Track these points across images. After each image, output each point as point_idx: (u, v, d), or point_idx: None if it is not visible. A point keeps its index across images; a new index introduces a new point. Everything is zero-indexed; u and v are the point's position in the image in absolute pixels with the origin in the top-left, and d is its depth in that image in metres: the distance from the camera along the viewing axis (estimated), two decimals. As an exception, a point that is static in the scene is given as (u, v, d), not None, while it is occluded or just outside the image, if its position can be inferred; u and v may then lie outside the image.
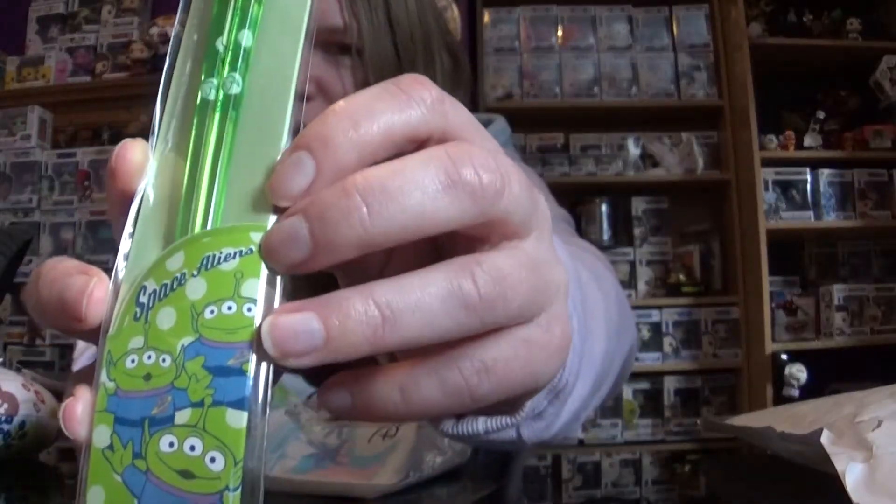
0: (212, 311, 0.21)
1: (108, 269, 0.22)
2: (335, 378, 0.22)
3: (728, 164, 2.39)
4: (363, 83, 0.63)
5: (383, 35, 0.63)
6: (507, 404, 0.30)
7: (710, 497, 0.66)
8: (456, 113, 0.23)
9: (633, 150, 2.43)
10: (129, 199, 0.23)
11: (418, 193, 0.20)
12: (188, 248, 0.22)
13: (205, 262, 0.21)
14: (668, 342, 2.36)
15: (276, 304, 0.21)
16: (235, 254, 0.21)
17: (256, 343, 0.20)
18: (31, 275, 0.24)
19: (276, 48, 0.24)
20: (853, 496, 0.36)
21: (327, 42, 0.62)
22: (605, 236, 2.41)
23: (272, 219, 0.22)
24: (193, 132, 0.23)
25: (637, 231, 2.45)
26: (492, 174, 0.21)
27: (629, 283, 2.40)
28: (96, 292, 0.21)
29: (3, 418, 0.59)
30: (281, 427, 0.53)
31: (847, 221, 2.33)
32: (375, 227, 0.20)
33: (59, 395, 0.66)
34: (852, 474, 0.37)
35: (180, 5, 0.26)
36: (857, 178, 2.34)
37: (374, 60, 0.62)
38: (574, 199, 2.37)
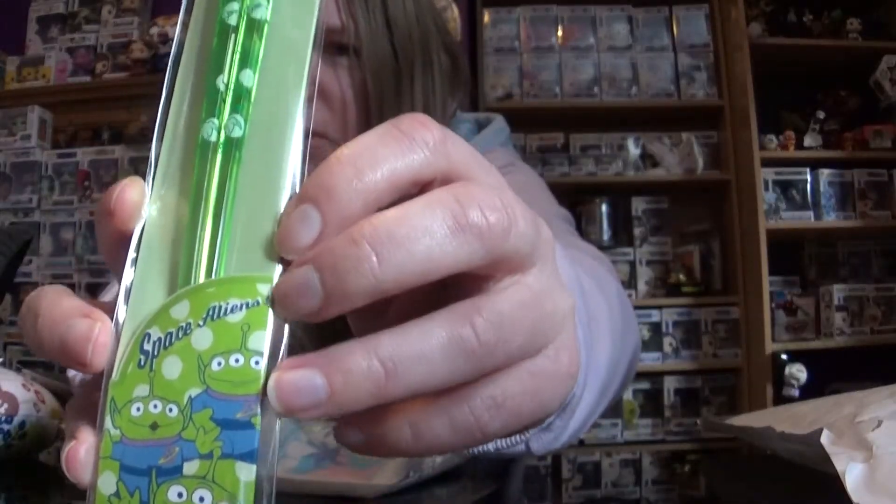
0: (219, 363, 0.21)
1: (106, 282, 0.22)
2: (349, 416, 0.23)
3: (728, 164, 2.39)
4: (360, 84, 0.63)
5: (381, 35, 0.62)
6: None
7: (710, 497, 0.66)
8: (458, 151, 0.23)
9: (633, 150, 2.43)
10: (126, 239, 0.23)
11: (427, 239, 0.20)
12: (193, 297, 0.21)
13: (211, 313, 0.21)
14: (668, 342, 2.36)
15: (282, 354, 0.21)
16: (242, 305, 0.21)
17: (264, 396, 0.21)
18: (26, 304, 0.23)
19: (279, 88, 0.23)
20: (853, 496, 0.36)
21: (324, 42, 0.62)
22: (605, 236, 2.41)
23: (278, 269, 0.22)
24: (195, 173, 0.23)
25: (637, 231, 2.45)
26: (498, 214, 0.21)
27: (629, 283, 2.40)
28: (101, 338, 0.21)
29: (3, 418, 0.59)
30: (281, 427, 0.53)
31: (847, 221, 2.33)
32: (386, 275, 0.20)
33: (60, 395, 0.66)
34: (852, 474, 0.37)
35: (182, 6, 0.25)
36: (857, 178, 2.34)
37: (372, 61, 0.62)
38: (574, 199, 2.36)
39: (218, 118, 0.23)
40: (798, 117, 2.41)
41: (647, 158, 2.44)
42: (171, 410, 0.21)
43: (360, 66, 0.62)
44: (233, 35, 0.24)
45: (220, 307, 0.21)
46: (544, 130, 2.43)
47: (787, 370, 2.15)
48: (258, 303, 0.21)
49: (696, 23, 2.48)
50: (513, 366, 0.23)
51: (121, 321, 0.22)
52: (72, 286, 2.28)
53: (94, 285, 2.31)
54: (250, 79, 0.23)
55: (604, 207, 2.43)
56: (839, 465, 0.38)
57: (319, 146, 0.64)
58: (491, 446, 0.30)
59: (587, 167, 2.43)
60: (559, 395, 0.25)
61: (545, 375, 0.24)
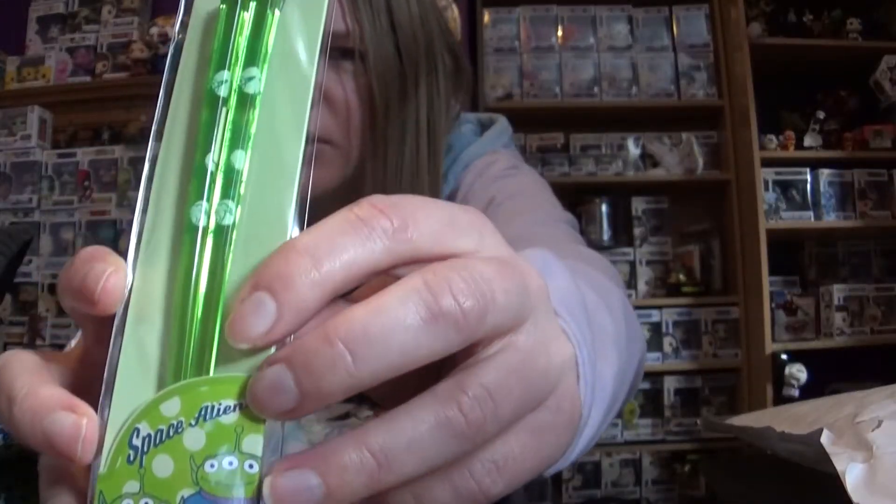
0: (212, 465, 0.20)
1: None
2: None
3: (728, 164, 2.39)
4: (365, 88, 0.63)
5: (386, 39, 0.62)
6: None
7: (710, 497, 0.66)
8: (422, 233, 0.22)
9: (633, 150, 2.43)
10: (106, 323, 0.22)
11: (401, 333, 0.20)
12: (185, 394, 0.21)
13: (203, 413, 0.21)
14: (668, 342, 2.36)
15: (279, 451, 0.21)
16: (235, 406, 0.21)
17: (258, 499, 0.20)
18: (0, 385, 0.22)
19: (272, 170, 0.22)
20: (853, 496, 0.36)
21: (329, 47, 0.62)
22: (605, 236, 2.41)
23: None
24: (183, 258, 0.22)
25: (637, 231, 2.45)
26: (473, 299, 0.21)
27: (629, 283, 2.40)
28: (89, 434, 0.21)
29: (3, 418, 0.58)
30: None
31: (847, 221, 2.33)
32: (362, 372, 0.20)
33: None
34: (852, 474, 0.37)
35: (181, 7, 0.25)
36: (857, 178, 2.34)
37: (377, 65, 0.62)
38: (574, 199, 2.36)
39: (207, 201, 0.22)
40: (798, 117, 2.41)
41: (647, 158, 2.44)
42: None
43: (366, 70, 0.62)
44: (223, 109, 0.23)
45: (213, 407, 0.21)
46: (544, 130, 2.43)
47: (787, 370, 2.15)
48: None
49: (696, 23, 2.48)
50: (511, 427, 0.23)
51: (105, 413, 0.21)
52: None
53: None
54: (242, 160, 0.22)
55: (604, 207, 2.42)
56: (839, 465, 0.38)
57: (323, 151, 0.64)
58: None
59: (587, 167, 2.43)
60: (562, 444, 0.25)
61: (546, 429, 0.24)
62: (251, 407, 0.20)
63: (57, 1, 2.54)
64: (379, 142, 0.65)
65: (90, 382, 0.23)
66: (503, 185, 0.69)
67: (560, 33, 2.49)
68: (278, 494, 0.20)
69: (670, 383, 2.35)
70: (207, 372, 0.21)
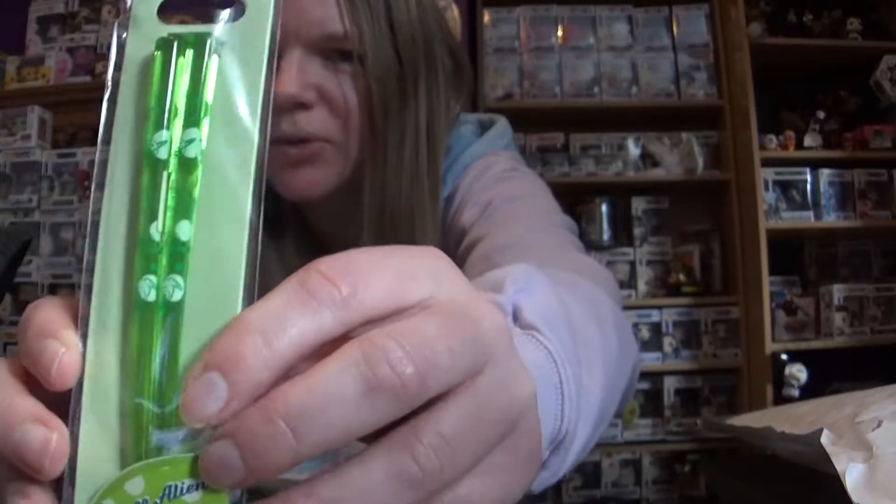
0: None
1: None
2: None
3: (728, 164, 2.39)
4: (364, 89, 0.63)
5: (385, 41, 0.62)
6: None
7: (710, 497, 0.66)
8: (373, 295, 0.22)
9: (633, 150, 2.43)
10: (63, 397, 0.22)
11: (340, 407, 0.20)
12: (148, 473, 0.21)
13: (167, 492, 0.21)
14: (668, 342, 2.35)
15: None
16: (198, 485, 0.21)
17: None
18: None
19: (219, 239, 0.22)
20: (853, 496, 0.36)
21: (328, 49, 0.62)
22: (605, 236, 2.41)
23: None
24: (135, 336, 0.22)
25: (637, 231, 2.45)
26: (411, 367, 0.21)
27: (629, 283, 2.40)
28: (58, 447, 0.21)
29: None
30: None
31: (847, 221, 2.33)
32: (304, 446, 0.20)
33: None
34: (852, 474, 0.37)
35: (113, 48, 0.24)
36: (857, 178, 2.33)
37: (376, 67, 0.62)
38: (574, 199, 2.36)
39: (156, 276, 0.22)
40: (798, 117, 2.41)
41: (647, 158, 2.43)
42: None
43: (365, 72, 0.62)
44: (164, 173, 0.22)
45: (177, 487, 0.21)
46: (544, 130, 2.43)
47: (787, 370, 2.15)
48: None
49: (696, 23, 2.48)
50: (470, 469, 0.22)
51: (71, 489, 0.21)
52: (71, 286, 2.29)
53: (94, 285, 2.31)
54: (187, 231, 0.22)
55: (604, 207, 2.42)
56: (839, 465, 0.38)
57: (324, 150, 0.64)
58: None
59: (587, 167, 2.42)
60: (522, 483, 0.25)
61: (504, 468, 0.24)
62: (204, 479, 0.21)
63: (57, 1, 2.54)
64: (378, 143, 0.65)
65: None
66: (501, 188, 0.69)
67: (560, 33, 2.49)
68: None
69: (670, 383, 2.35)
70: (168, 451, 0.21)
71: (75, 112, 2.48)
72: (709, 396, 2.36)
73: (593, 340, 0.41)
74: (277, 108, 0.59)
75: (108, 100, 0.23)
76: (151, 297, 0.22)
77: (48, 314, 0.23)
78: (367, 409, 0.20)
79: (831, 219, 2.32)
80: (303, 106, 0.61)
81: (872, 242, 2.48)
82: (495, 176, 0.71)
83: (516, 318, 0.34)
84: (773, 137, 2.31)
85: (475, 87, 2.36)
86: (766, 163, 2.28)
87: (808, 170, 2.32)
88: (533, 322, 0.31)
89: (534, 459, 0.25)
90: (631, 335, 0.53)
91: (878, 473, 0.37)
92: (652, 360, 2.32)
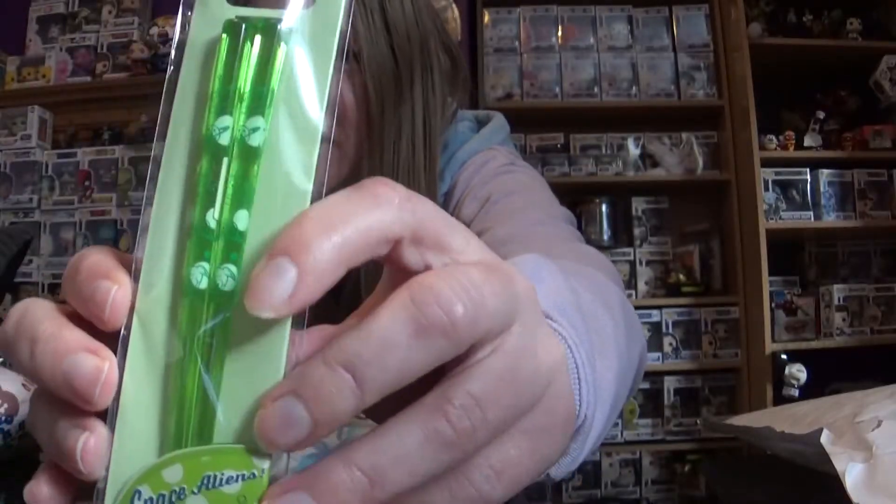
0: None
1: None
2: None
3: (728, 164, 2.39)
4: (361, 87, 0.63)
5: (380, 39, 0.62)
6: None
7: (710, 497, 0.66)
8: (424, 209, 0.23)
9: (633, 150, 2.43)
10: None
11: (394, 350, 0.20)
12: (187, 462, 0.21)
13: (206, 482, 0.21)
14: (668, 342, 2.35)
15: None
16: (238, 477, 0.21)
17: None
18: (14, 323, 0.23)
19: (275, 229, 0.21)
20: (853, 496, 0.36)
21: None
22: (605, 236, 2.41)
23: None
24: (183, 323, 0.21)
25: (637, 231, 2.45)
26: (461, 306, 0.21)
27: (629, 283, 2.40)
28: (109, 377, 0.21)
29: (3, 418, 0.59)
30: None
31: (847, 221, 2.33)
32: (367, 392, 0.20)
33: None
34: (852, 474, 0.37)
35: (181, 7, 0.23)
36: (857, 178, 2.34)
37: (372, 65, 0.62)
38: (574, 199, 2.36)
39: (209, 264, 0.21)
40: (798, 117, 2.41)
41: (647, 158, 2.44)
42: None
43: (361, 70, 0.62)
44: (225, 160, 0.21)
45: (216, 477, 0.21)
46: (544, 130, 2.43)
47: (787, 370, 2.15)
48: (254, 475, 0.21)
49: (696, 23, 2.48)
50: (506, 430, 0.23)
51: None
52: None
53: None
54: (245, 221, 0.21)
55: (604, 207, 2.42)
56: (839, 465, 0.38)
57: (323, 150, 0.64)
58: None
59: (587, 167, 2.42)
60: (559, 445, 0.25)
61: (541, 431, 0.24)
62: (262, 443, 0.20)
63: (57, 1, 2.54)
64: (375, 140, 0.65)
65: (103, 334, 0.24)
66: (500, 183, 0.69)
67: (560, 33, 2.49)
68: None
69: (670, 383, 2.35)
70: (209, 439, 0.21)
71: (75, 112, 2.48)
72: (709, 396, 2.36)
73: (605, 327, 0.41)
74: None
75: (168, 85, 0.23)
76: (203, 284, 0.21)
77: (97, 258, 0.23)
78: (421, 350, 0.21)
79: (831, 219, 2.32)
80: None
81: (872, 242, 2.48)
82: (493, 171, 0.71)
83: None
84: (773, 137, 2.31)
85: (475, 87, 2.36)
86: (766, 163, 2.28)
87: (808, 170, 2.32)
88: (545, 310, 0.31)
89: (569, 423, 0.25)
90: (637, 322, 0.54)
91: (878, 473, 0.37)
92: (652, 360, 2.32)
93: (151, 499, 0.21)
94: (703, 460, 0.89)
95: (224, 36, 0.22)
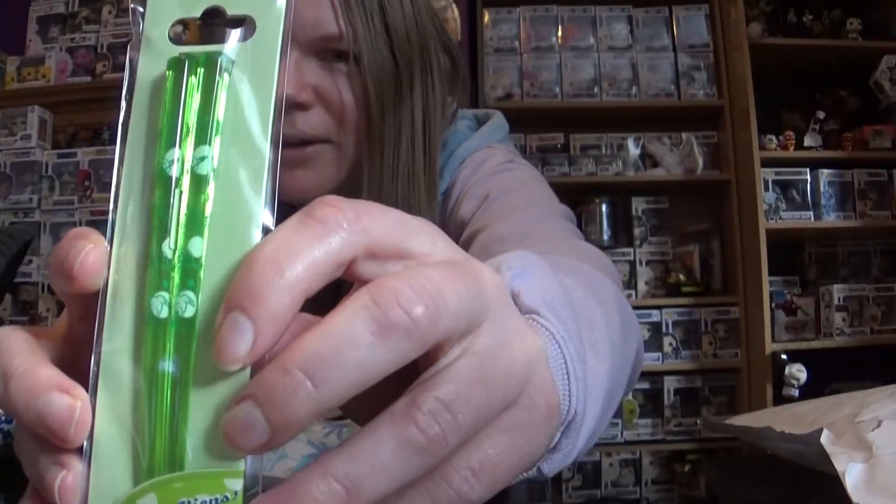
0: None
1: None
2: None
3: (728, 164, 2.39)
4: (361, 89, 0.63)
5: (380, 40, 0.63)
6: None
7: (710, 497, 0.66)
8: (377, 223, 0.23)
9: (633, 150, 2.43)
10: (90, 300, 0.23)
11: (354, 352, 0.20)
12: (160, 490, 0.21)
13: None
14: (668, 342, 2.35)
15: None
16: (212, 501, 0.21)
17: None
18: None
19: (230, 253, 0.22)
20: (853, 496, 0.36)
21: (324, 50, 0.62)
22: (605, 236, 2.41)
23: (246, 461, 0.21)
24: (147, 351, 0.22)
25: (637, 231, 2.45)
26: (421, 306, 0.21)
27: (629, 283, 2.40)
28: (83, 417, 0.21)
29: (3, 418, 0.59)
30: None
31: (847, 221, 2.33)
32: (324, 395, 0.20)
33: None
34: (852, 474, 0.37)
35: (126, 70, 0.24)
36: (857, 178, 2.34)
37: (372, 66, 0.62)
38: (574, 199, 2.36)
39: (168, 293, 0.22)
40: (798, 117, 2.41)
41: (647, 158, 2.44)
42: None
43: (361, 72, 0.62)
44: (175, 191, 0.22)
45: (190, 503, 0.21)
46: (544, 130, 2.43)
47: (787, 370, 2.15)
48: (227, 498, 0.21)
49: (696, 23, 2.48)
50: (483, 430, 0.23)
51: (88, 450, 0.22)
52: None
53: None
54: (199, 248, 0.22)
55: (604, 207, 2.42)
56: (839, 465, 0.38)
57: (323, 151, 0.65)
58: None
59: (587, 167, 2.43)
60: (542, 440, 0.25)
61: (521, 427, 0.24)
62: (228, 445, 0.21)
63: (57, 1, 2.54)
64: (375, 142, 0.65)
65: (74, 359, 0.24)
66: (499, 181, 0.69)
67: (560, 33, 2.49)
68: None
69: (670, 383, 2.35)
70: (181, 466, 0.21)
71: (75, 112, 2.48)
72: (709, 396, 2.36)
73: (597, 322, 0.41)
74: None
75: (122, 123, 0.24)
76: (164, 313, 0.22)
77: (84, 228, 0.23)
78: (381, 351, 0.21)
79: (831, 219, 2.32)
80: (300, 106, 0.62)
81: (872, 242, 2.48)
82: (492, 168, 0.71)
83: (514, 303, 0.34)
84: (773, 137, 2.31)
85: (475, 87, 2.36)
86: (766, 163, 2.28)
87: (807, 170, 2.32)
88: (532, 306, 0.31)
89: (553, 417, 0.25)
90: (633, 317, 0.54)
91: (878, 473, 0.37)
92: (652, 360, 2.32)
93: None
94: (703, 460, 0.89)
95: (169, 73, 0.23)
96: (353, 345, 0.20)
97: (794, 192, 2.32)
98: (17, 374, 0.22)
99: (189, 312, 0.22)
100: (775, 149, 2.31)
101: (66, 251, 0.22)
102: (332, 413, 0.55)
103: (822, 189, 2.32)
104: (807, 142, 2.35)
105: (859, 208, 2.33)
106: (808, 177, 2.32)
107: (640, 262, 2.42)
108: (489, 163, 0.72)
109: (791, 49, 2.34)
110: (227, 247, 0.22)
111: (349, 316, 0.21)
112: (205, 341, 0.21)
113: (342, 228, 0.22)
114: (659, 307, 2.36)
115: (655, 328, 2.34)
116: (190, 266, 0.22)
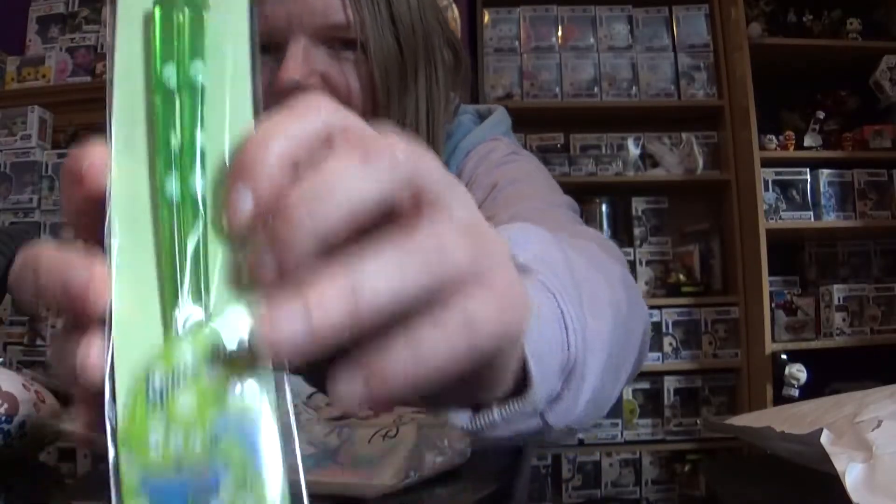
0: (233, 392, 0.22)
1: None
2: (341, 363, 0.23)
3: (728, 164, 2.39)
4: (367, 77, 0.65)
5: (386, 29, 0.64)
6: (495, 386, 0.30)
7: (710, 497, 0.66)
8: (362, 126, 0.24)
9: (633, 150, 2.43)
10: (93, 204, 0.23)
11: (344, 180, 0.22)
12: (193, 337, 0.22)
13: (214, 352, 0.22)
14: (668, 342, 2.36)
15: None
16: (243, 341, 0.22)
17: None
18: (22, 262, 0.24)
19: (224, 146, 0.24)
20: (853, 496, 0.36)
21: (331, 38, 0.64)
22: (605, 236, 2.41)
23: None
24: (165, 228, 0.23)
25: (637, 231, 2.45)
26: (402, 146, 0.23)
27: (629, 283, 2.40)
28: (99, 274, 0.23)
29: (3, 418, 0.59)
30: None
31: (847, 221, 2.33)
32: (318, 222, 0.21)
33: (59, 395, 0.66)
34: (852, 474, 0.37)
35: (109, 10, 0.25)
36: (857, 178, 2.34)
37: (378, 55, 0.64)
38: (574, 199, 2.36)
39: (177, 171, 0.23)
40: (798, 117, 2.41)
41: (647, 158, 2.44)
42: (194, 441, 0.21)
43: (367, 60, 0.64)
44: (175, 98, 0.24)
45: (223, 346, 0.22)
46: (544, 130, 2.43)
47: (787, 370, 2.15)
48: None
49: (696, 23, 2.48)
50: (472, 283, 0.23)
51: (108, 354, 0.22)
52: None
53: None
54: (200, 139, 0.24)
55: (604, 207, 2.43)
56: (839, 465, 0.38)
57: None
58: (496, 416, 0.30)
59: (587, 167, 2.43)
60: (516, 318, 0.25)
61: (507, 288, 0.24)
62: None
63: (57, 1, 2.54)
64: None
65: None
66: (505, 171, 0.71)
67: (560, 33, 2.49)
68: (266, 328, 0.21)
69: (670, 383, 2.35)
70: (206, 307, 0.22)
71: (75, 112, 2.48)
72: (709, 396, 2.37)
73: (599, 288, 0.41)
74: (283, 95, 0.60)
75: (110, 48, 0.26)
76: (176, 193, 0.23)
77: (86, 146, 0.24)
78: (367, 178, 0.22)
79: (831, 219, 2.32)
80: (307, 92, 0.62)
81: (872, 242, 2.48)
82: (498, 159, 0.72)
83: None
84: (773, 137, 2.31)
85: (476, 87, 2.36)
86: (766, 163, 2.28)
87: (807, 170, 2.32)
88: (527, 265, 0.31)
89: (524, 305, 0.25)
90: (640, 298, 0.54)
91: (878, 473, 0.37)
92: (652, 360, 2.32)
93: (165, 378, 0.22)
94: (703, 460, 0.89)
95: (157, 9, 0.25)
96: (341, 175, 0.22)
97: (794, 192, 2.32)
98: (44, 261, 0.23)
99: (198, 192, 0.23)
100: (775, 149, 2.31)
101: (73, 160, 0.24)
102: (333, 413, 0.55)
103: (822, 189, 2.32)
104: (807, 142, 2.35)
105: (859, 208, 2.33)
106: (808, 177, 2.32)
107: (640, 262, 2.42)
108: (494, 154, 0.73)
109: (791, 49, 2.34)
110: (225, 140, 0.24)
111: (336, 156, 0.23)
112: (217, 221, 0.23)
113: (327, 111, 0.24)
114: (659, 307, 2.36)
115: (655, 328, 2.34)
116: (194, 152, 0.23)
